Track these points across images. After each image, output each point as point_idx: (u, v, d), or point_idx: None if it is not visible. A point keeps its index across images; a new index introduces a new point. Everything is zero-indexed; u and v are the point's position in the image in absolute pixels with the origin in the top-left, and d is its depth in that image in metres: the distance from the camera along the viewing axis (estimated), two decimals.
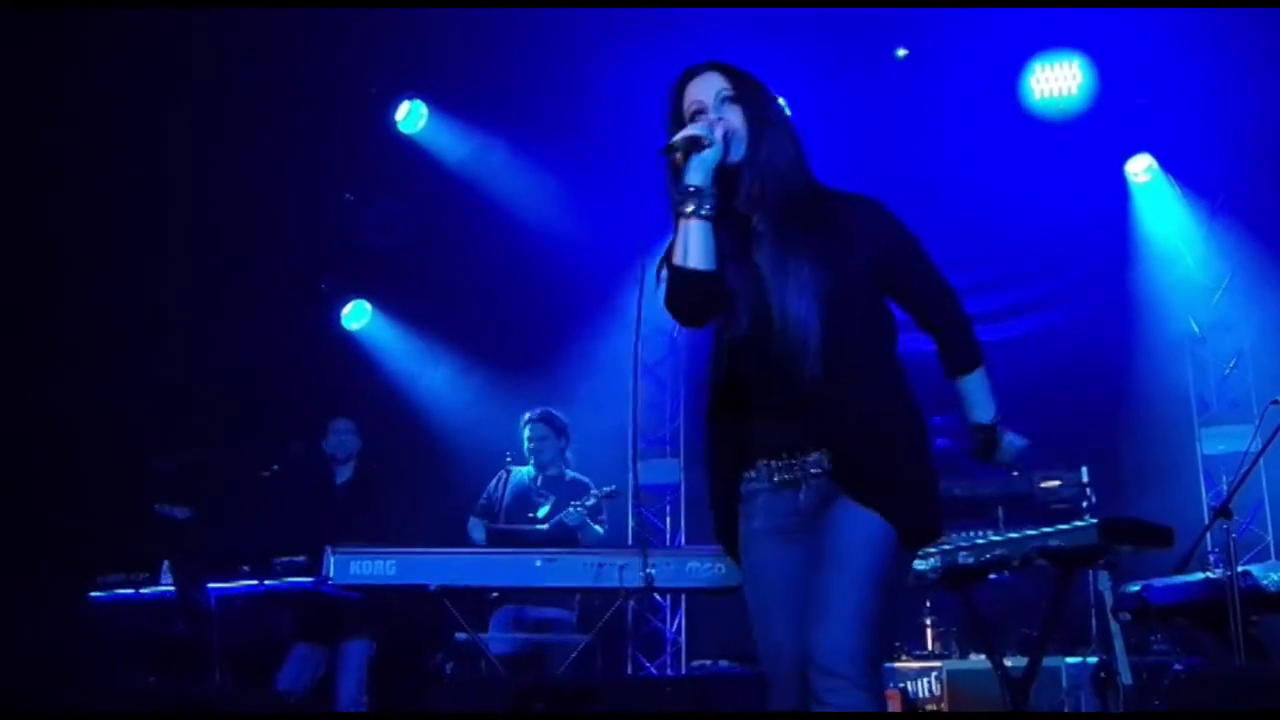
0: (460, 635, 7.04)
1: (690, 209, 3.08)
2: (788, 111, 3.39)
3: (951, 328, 3.33)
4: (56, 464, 8.55)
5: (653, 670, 9.95)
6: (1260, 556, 8.52)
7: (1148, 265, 9.49)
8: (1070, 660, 6.75)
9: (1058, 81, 9.14)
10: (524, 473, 8.00)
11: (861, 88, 9.23)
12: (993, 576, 5.72)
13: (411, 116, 9.90)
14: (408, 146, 9.96)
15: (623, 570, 6.28)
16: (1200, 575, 5.94)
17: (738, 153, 3.16)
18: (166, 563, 6.84)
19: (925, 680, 7.40)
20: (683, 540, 10.31)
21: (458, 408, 10.39)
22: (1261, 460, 6.07)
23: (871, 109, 9.25)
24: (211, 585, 6.74)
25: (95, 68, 8.30)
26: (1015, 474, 8.14)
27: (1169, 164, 9.45)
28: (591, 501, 7.62)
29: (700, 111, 3.21)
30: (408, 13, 8.68)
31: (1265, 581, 5.68)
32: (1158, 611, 5.94)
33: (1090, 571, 6.55)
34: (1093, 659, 6.69)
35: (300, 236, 9.97)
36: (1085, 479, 7.89)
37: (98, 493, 8.31)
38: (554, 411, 8.10)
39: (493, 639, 7.27)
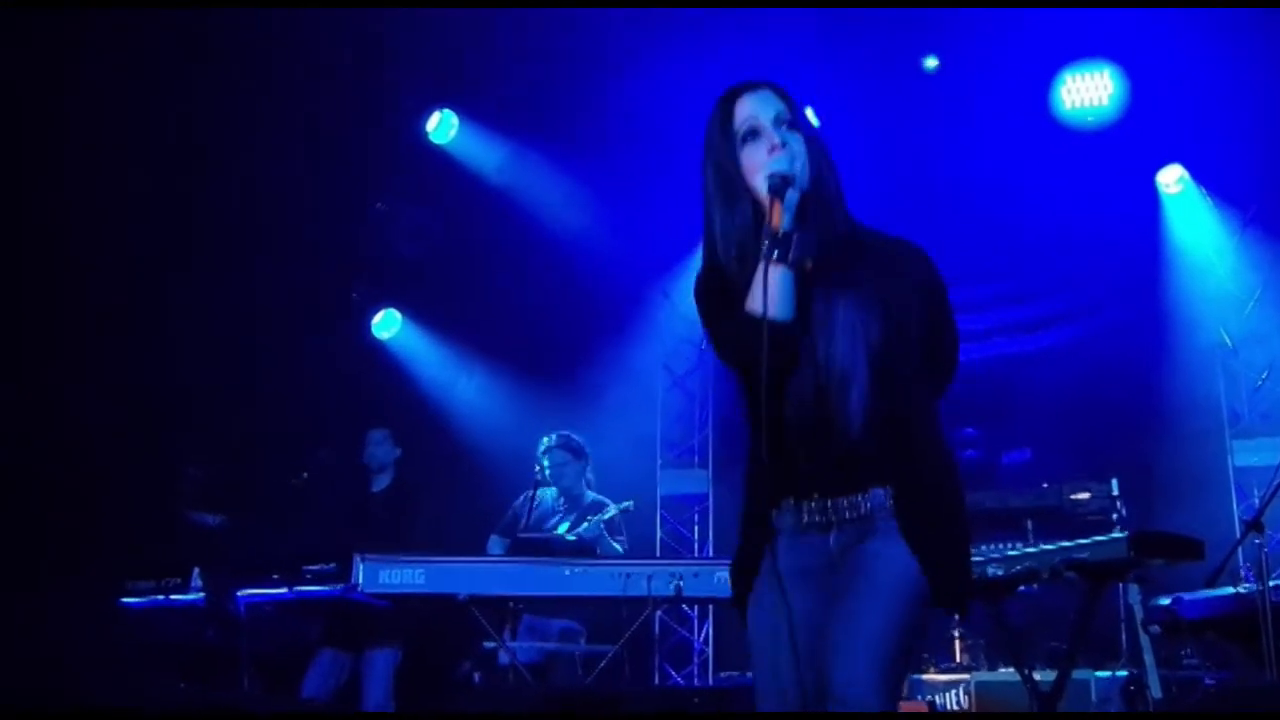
0: (488, 644, 7.06)
1: (778, 255, 2.91)
2: None
3: (947, 373, 3.22)
4: (89, 471, 8.61)
5: (680, 681, 9.95)
6: None
7: (1179, 276, 9.45)
8: (1100, 674, 6.70)
9: (1089, 92, 9.12)
10: (548, 494, 8.03)
11: (892, 98, 9.22)
12: (1022, 589, 5.69)
13: (443, 126, 9.95)
14: (439, 156, 10.00)
15: (651, 580, 6.29)
16: (1231, 589, 5.90)
17: (801, 186, 3.01)
18: (197, 569, 6.88)
19: (953, 692, 7.36)
20: (711, 551, 10.30)
21: (487, 416, 10.41)
22: None
23: (902, 120, 9.25)
24: (241, 592, 6.78)
25: (131, 75, 8.36)
26: (1045, 485, 8.14)
27: (1200, 175, 9.41)
28: (608, 516, 7.64)
29: (755, 130, 3.07)
30: (439, 24, 8.73)
31: None
32: (1188, 625, 5.91)
33: (1120, 585, 6.52)
34: (1122, 673, 6.65)
35: (332, 245, 10.03)
36: (1116, 491, 7.84)
37: (130, 500, 8.36)
38: (571, 435, 8.11)
39: (520, 648, 7.28)
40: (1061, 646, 6.18)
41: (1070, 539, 5.43)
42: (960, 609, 2.96)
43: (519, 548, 7.60)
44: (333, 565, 6.59)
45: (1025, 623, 7.07)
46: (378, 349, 10.72)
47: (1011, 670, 6.49)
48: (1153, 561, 5.12)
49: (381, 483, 7.88)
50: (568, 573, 6.44)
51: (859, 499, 2.98)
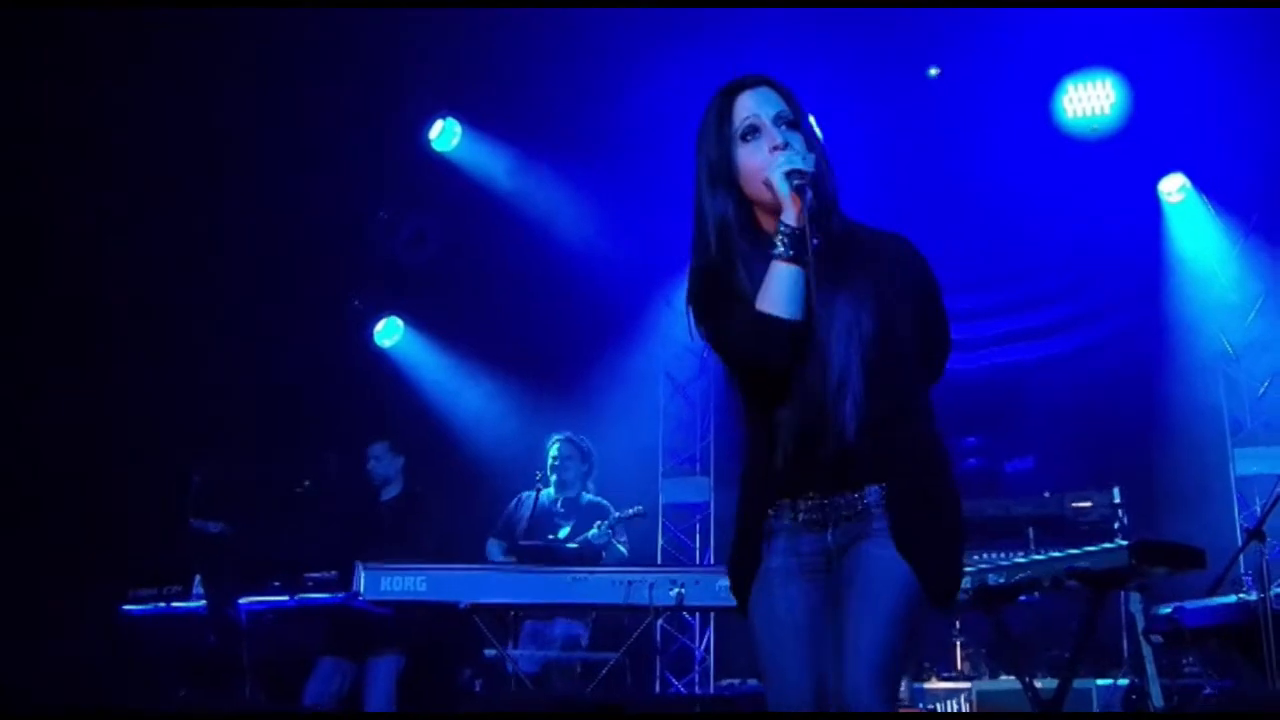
0: (489, 651, 7.06)
1: (794, 253, 2.91)
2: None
3: (934, 372, 3.22)
4: (91, 478, 8.62)
5: (681, 689, 9.94)
6: None
7: (1181, 285, 9.44)
8: (1101, 682, 6.71)
9: (1090, 101, 9.11)
10: (545, 495, 8.05)
11: (895, 107, 9.22)
12: (1023, 598, 5.69)
13: (445, 135, 9.96)
14: (441, 164, 10.01)
15: (652, 588, 6.30)
16: (1233, 598, 5.90)
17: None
18: (199, 577, 6.89)
19: (954, 701, 7.37)
20: (712, 559, 10.30)
21: (488, 424, 10.42)
22: None
23: (905, 128, 9.25)
24: (243, 599, 6.79)
25: (137, 84, 8.39)
26: (1047, 494, 8.15)
27: (1202, 184, 9.40)
28: (615, 520, 7.66)
29: (755, 129, 3.05)
30: (441, 31, 8.74)
31: None
32: (1190, 634, 5.90)
33: (1122, 593, 6.52)
34: (1124, 681, 6.66)
35: (334, 253, 10.04)
36: (1118, 499, 7.85)
37: (132, 507, 8.37)
38: (583, 437, 8.17)
39: (521, 656, 7.28)
40: (1063, 655, 6.19)
41: (1072, 547, 5.44)
42: (945, 606, 2.96)
43: (521, 556, 7.61)
44: (334, 573, 6.61)
45: (1027, 631, 7.07)
46: (380, 357, 10.73)
47: (1013, 679, 6.48)
48: (1154, 570, 5.13)
49: (390, 492, 7.89)
50: (569, 580, 6.44)
51: (855, 497, 2.97)
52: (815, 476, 2.99)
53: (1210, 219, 9.40)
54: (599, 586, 6.41)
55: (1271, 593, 5.52)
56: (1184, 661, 6.93)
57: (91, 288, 8.84)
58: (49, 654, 7.81)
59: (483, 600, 6.41)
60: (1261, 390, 9.25)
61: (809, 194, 2.92)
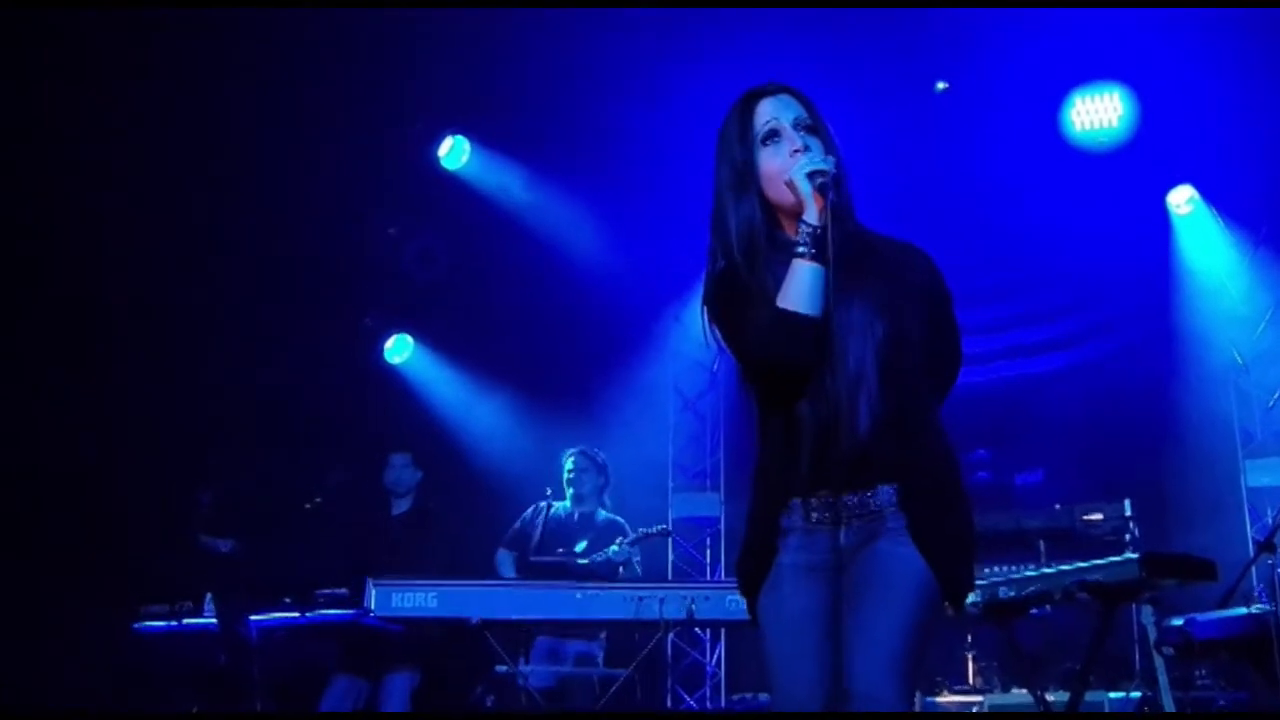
0: (500, 668, 7.06)
1: (815, 252, 2.95)
2: None
3: (951, 370, 3.27)
4: (102, 497, 8.65)
5: (693, 704, 9.93)
6: None
7: (1190, 297, 9.44)
8: (1113, 695, 6.70)
9: (1098, 113, 9.12)
10: (560, 508, 8.02)
11: (903, 121, 9.23)
12: (1034, 611, 5.68)
13: (454, 152, 9.98)
14: (450, 182, 10.04)
15: (663, 603, 6.29)
16: (1244, 610, 5.88)
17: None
18: (210, 594, 6.90)
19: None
20: (723, 574, 10.29)
21: (498, 440, 10.43)
22: None
23: (913, 143, 9.26)
24: (254, 617, 6.79)
25: (143, 104, 8.43)
26: (1057, 506, 8.14)
27: (1211, 195, 9.40)
28: (639, 535, 7.65)
29: (776, 132, 3.12)
30: (451, 50, 8.78)
31: None
32: (1201, 646, 5.88)
33: (1134, 605, 6.51)
34: (1136, 694, 6.64)
35: (344, 270, 10.07)
36: (1129, 512, 7.84)
37: (142, 525, 8.40)
38: (598, 451, 8.16)
39: (533, 672, 7.28)
40: (1075, 668, 6.17)
41: (1083, 560, 5.43)
42: (958, 607, 3.00)
43: (533, 572, 7.58)
44: (345, 590, 6.61)
45: (1039, 644, 7.06)
46: (390, 374, 10.75)
47: (1025, 692, 6.47)
48: (1164, 582, 5.13)
49: (401, 507, 7.89)
50: (579, 596, 6.43)
51: (868, 496, 3.00)
52: (829, 475, 3.00)
53: (1219, 231, 9.40)
54: (610, 602, 6.40)
55: None
56: (1196, 674, 6.91)
57: (102, 307, 8.88)
58: (62, 672, 7.84)
59: (493, 616, 6.40)
60: (1272, 402, 9.24)
61: (830, 193, 2.96)
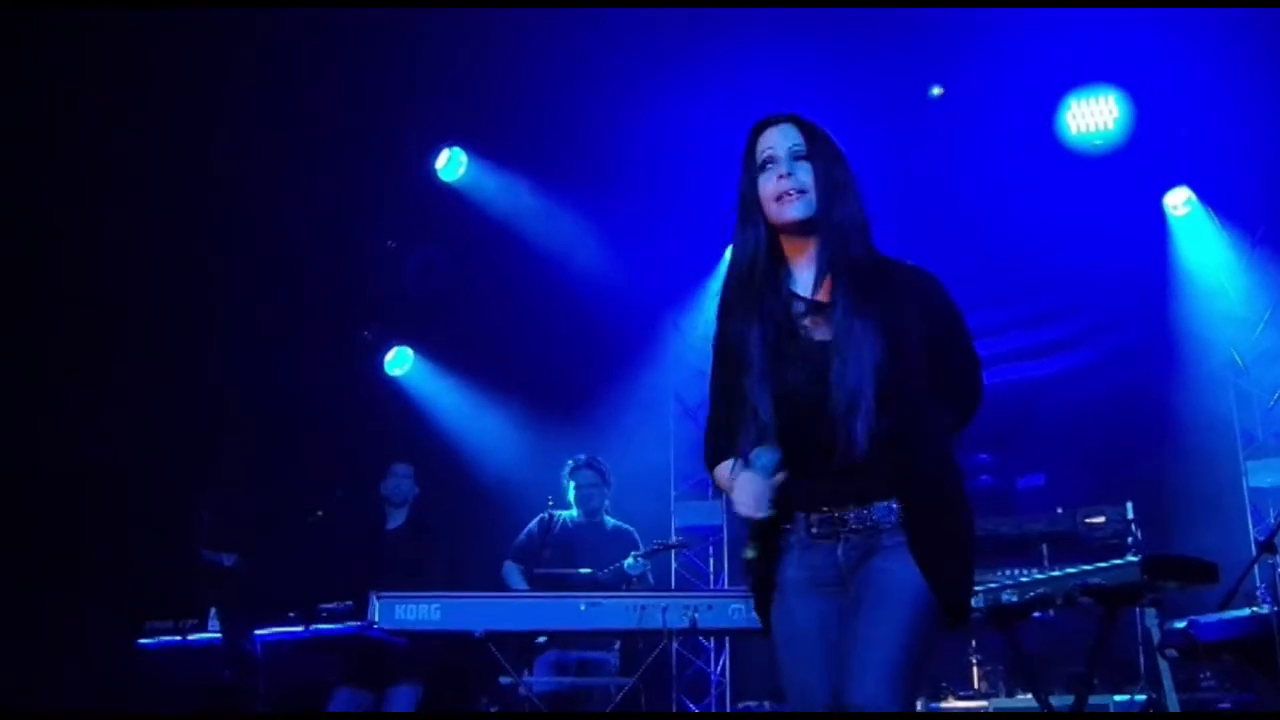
0: (504, 679, 7.06)
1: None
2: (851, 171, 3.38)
3: (967, 400, 3.36)
4: (105, 512, 8.65)
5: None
6: None
7: (1189, 298, 9.44)
8: (1119, 698, 6.69)
9: (1094, 116, 9.14)
10: (566, 518, 8.00)
11: (899, 127, 9.25)
12: (1037, 615, 5.68)
13: (451, 165, 10.01)
14: (448, 194, 10.06)
15: (665, 612, 6.29)
16: (1247, 611, 5.87)
17: (807, 210, 3.20)
18: (213, 609, 6.90)
19: None
20: (726, 582, 10.29)
21: (499, 451, 10.43)
22: None
23: (909, 148, 9.27)
24: (258, 631, 6.79)
25: (139, 125, 8.45)
26: (1059, 510, 8.13)
27: (1208, 197, 9.41)
28: (655, 547, 7.65)
29: (771, 159, 3.25)
30: (447, 62, 8.80)
31: None
32: (1204, 648, 5.87)
33: (1137, 608, 6.51)
34: (1141, 696, 6.64)
35: (343, 283, 10.08)
36: (1130, 515, 7.83)
37: (146, 541, 8.40)
38: (601, 459, 8.13)
39: (537, 682, 7.27)
40: (1080, 671, 6.17)
41: (1086, 563, 5.42)
42: (959, 619, 3.07)
43: (540, 584, 7.56)
44: (349, 603, 6.61)
45: (1044, 648, 7.06)
46: (390, 386, 10.76)
47: (1030, 696, 6.47)
48: (1166, 585, 5.11)
49: (397, 520, 7.88)
50: (583, 607, 6.43)
51: (865, 512, 3.10)
52: (828, 492, 3.14)
53: (1216, 232, 9.40)
54: (613, 612, 6.40)
55: None
56: (1201, 676, 6.91)
57: (102, 319, 8.89)
58: (67, 687, 7.84)
59: (497, 628, 6.40)
60: (1272, 402, 9.24)
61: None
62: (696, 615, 6.28)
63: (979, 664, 7.86)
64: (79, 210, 8.55)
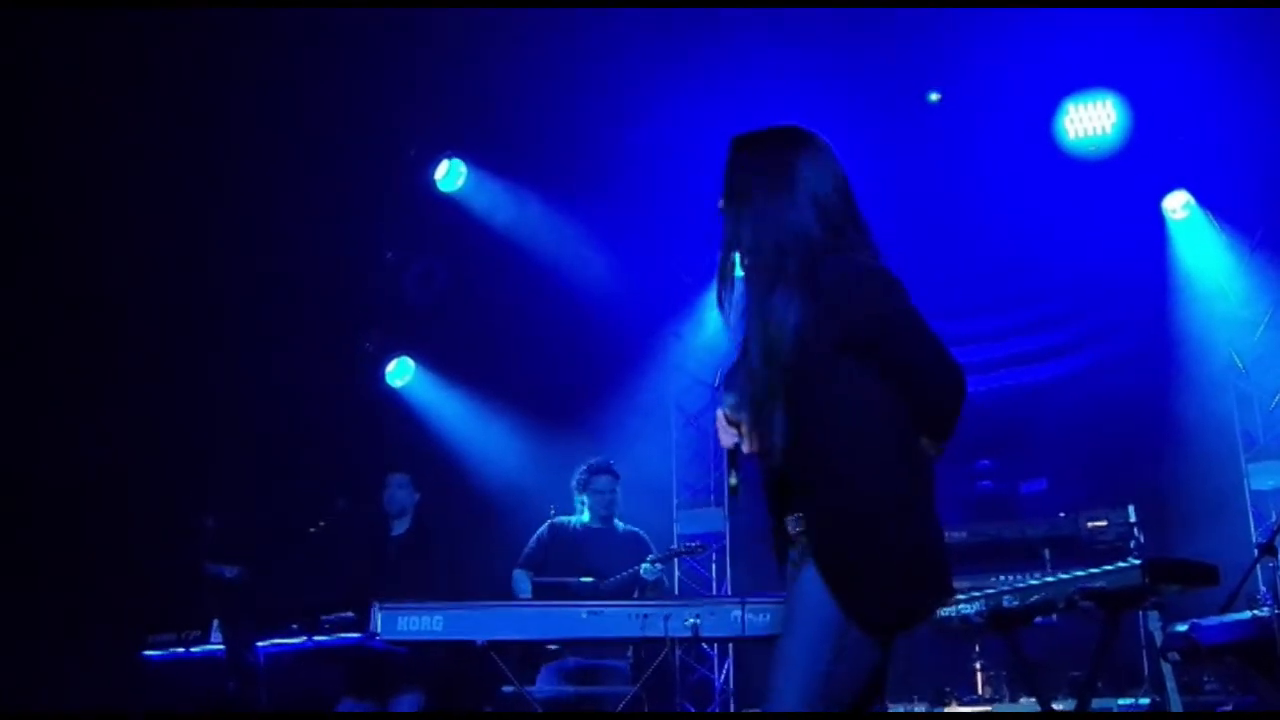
0: (507, 688, 7.06)
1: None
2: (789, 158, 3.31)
3: (922, 394, 3.15)
4: (107, 524, 8.66)
5: None
6: None
7: (1188, 301, 9.43)
8: (1122, 701, 6.69)
9: (1092, 121, 9.14)
10: (576, 522, 7.99)
11: (896, 132, 9.26)
12: (1039, 619, 5.68)
13: (451, 175, 10.02)
14: (447, 204, 10.07)
15: (668, 620, 6.29)
16: (1248, 614, 5.87)
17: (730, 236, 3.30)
18: (216, 621, 6.90)
19: None
20: (729, 589, 10.29)
21: (501, 460, 10.44)
22: None
23: (907, 153, 9.28)
24: (260, 642, 6.79)
25: (143, 129, 8.47)
26: (1062, 514, 8.14)
27: (1206, 200, 9.41)
28: (671, 552, 7.64)
29: None
30: (446, 72, 8.82)
31: None
32: (1206, 651, 5.87)
33: (1140, 612, 6.50)
34: (1145, 700, 6.64)
35: (343, 294, 10.09)
36: (1133, 518, 7.84)
37: (148, 553, 8.40)
38: (612, 462, 8.12)
39: (540, 691, 7.27)
40: (1082, 675, 6.17)
41: (1088, 567, 5.42)
42: (876, 633, 3.00)
43: (548, 594, 7.53)
44: (351, 614, 6.61)
45: (1046, 653, 7.05)
46: (392, 397, 10.77)
47: (1034, 701, 6.46)
48: (1167, 588, 5.11)
49: (400, 528, 7.91)
50: (585, 615, 6.42)
51: (792, 520, 3.17)
52: (771, 499, 3.25)
53: (1215, 235, 9.41)
54: (615, 620, 6.39)
55: None
56: (1203, 679, 6.90)
57: (103, 328, 8.90)
58: (70, 697, 7.84)
59: (499, 637, 6.40)
60: (1273, 404, 9.23)
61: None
62: (699, 623, 6.27)
63: (982, 669, 7.86)
64: (79, 216, 8.57)
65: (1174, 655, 5.96)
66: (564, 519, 7.99)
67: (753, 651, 9.05)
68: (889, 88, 9.08)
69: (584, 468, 8.04)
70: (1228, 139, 8.77)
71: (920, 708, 7.46)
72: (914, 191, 9.10)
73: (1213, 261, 9.44)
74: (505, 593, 7.74)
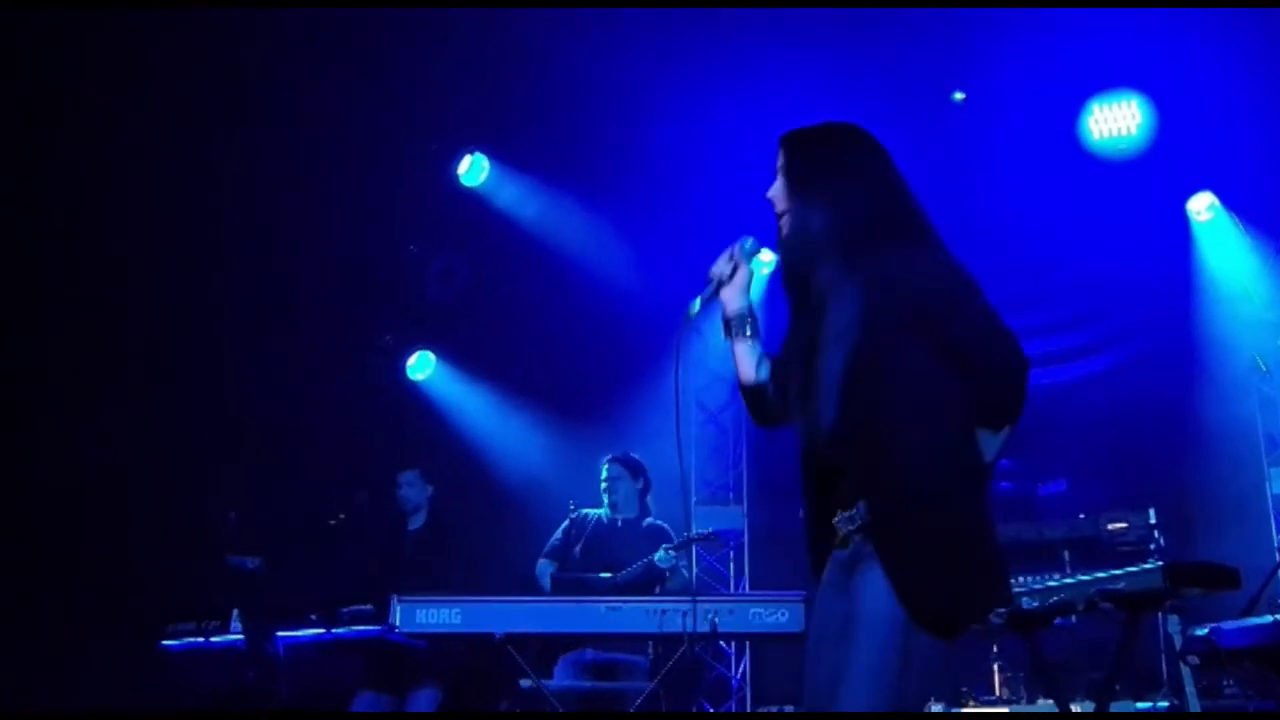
0: (524, 682, 7.07)
1: (726, 335, 3.53)
2: (852, 153, 3.40)
3: (986, 380, 3.15)
4: (130, 517, 8.70)
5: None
6: None
7: (1212, 303, 9.39)
8: (1141, 704, 6.66)
9: (1117, 121, 9.12)
10: (597, 515, 8.01)
11: (921, 132, 9.22)
12: (1059, 621, 5.66)
13: (473, 170, 10.04)
14: (470, 199, 10.09)
15: (686, 617, 6.28)
16: (1269, 618, 5.84)
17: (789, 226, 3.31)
18: (236, 612, 6.94)
19: None
20: (747, 586, 10.29)
21: (521, 455, 10.45)
22: None
23: (931, 153, 9.24)
24: (280, 634, 6.82)
25: (164, 126, 8.50)
26: (1082, 516, 8.10)
27: (1231, 201, 9.37)
28: (684, 539, 7.63)
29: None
30: (470, 67, 8.83)
31: None
32: (1226, 655, 5.83)
33: (1160, 615, 6.48)
34: (1164, 703, 6.61)
35: (365, 288, 10.12)
36: (1153, 520, 7.81)
37: (170, 544, 8.45)
38: (633, 454, 8.12)
39: (557, 684, 7.27)
40: (1101, 677, 6.15)
41: (1109, 569, 5.40)
42: (940, 632, 2.88)
43: (567, 588, 7.53)
44: (370, 606, 6.63)
45: (1065, 654, 7.03)
46: (412, 390, 10.79)
47: (1052, 702, 6.44)
48: (1188, 591, 5.08)
49: (417, 522, 7.92)
50: (604, 610, 6.42)
51: (851, 513, 3.04)
52: (821, 492, 3.14)
53: (1240, 237, 9.36)
54: (633, 616, 6.38)
55: None
56: (1223, 683, 6.87)
57: (125, 323, 8.94)
58: (90, 687, 7.88)
59: (517, 630, 6.40)
60: None
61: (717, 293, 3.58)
62: (717, 620, 6.27)
63: (1001, 670, 7.84)
64: (92, 213, 8.61)
65: (1193, 659, 5.93)
66: (585, 511, 8.00)
67: (770, 649, 9.05)
68: (914, 87, 9.06)
69: (602, 460, 8.09)
70: (1253, 141, 8.73)
71: (938, 708, 7.43)
72: (937, 191, 8.99)
73: (1237, 264, 9.39)
74: (526, 586, 7.76)
